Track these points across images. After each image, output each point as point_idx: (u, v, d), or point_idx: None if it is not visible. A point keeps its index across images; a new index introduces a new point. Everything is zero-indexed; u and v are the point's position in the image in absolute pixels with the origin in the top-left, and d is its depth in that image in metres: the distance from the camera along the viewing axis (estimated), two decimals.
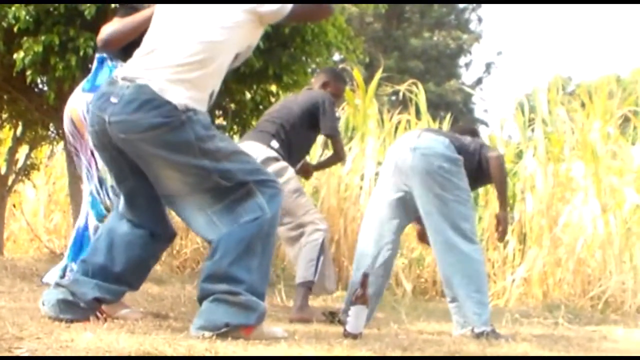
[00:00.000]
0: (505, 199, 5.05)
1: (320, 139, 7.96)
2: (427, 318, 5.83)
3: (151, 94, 3.26)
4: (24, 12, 6.16)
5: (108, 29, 4.06)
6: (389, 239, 5.03)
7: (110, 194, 4.17)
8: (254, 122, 7.62)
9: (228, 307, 3.17)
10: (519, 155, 10.81)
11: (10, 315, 3.40)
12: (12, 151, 9.45)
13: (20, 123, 9.14)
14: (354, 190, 9.68)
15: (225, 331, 3.09)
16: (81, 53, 6.09)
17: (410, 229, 6.24)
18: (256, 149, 5.10)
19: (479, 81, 31.40)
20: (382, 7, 9.98)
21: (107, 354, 2.50)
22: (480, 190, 9.37)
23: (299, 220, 5.15)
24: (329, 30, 7.36)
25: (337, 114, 5.87)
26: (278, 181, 3.55)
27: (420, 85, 11.50)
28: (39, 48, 6.13)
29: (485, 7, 38.08)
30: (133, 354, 2.52)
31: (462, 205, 4.74)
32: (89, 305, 3.43)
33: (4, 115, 8.95)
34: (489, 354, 3.67)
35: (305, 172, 5.91)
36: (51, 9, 6.29)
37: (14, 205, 11.00)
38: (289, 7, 3.57)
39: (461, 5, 31.03)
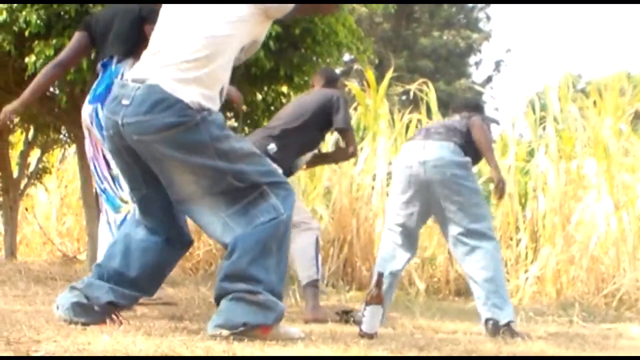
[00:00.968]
0: (494, 159, 5.14)
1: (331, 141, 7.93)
2: (441, 317, 5.81)
3: (162, 94, 3.24)
4: (34, 16, 6.19)
5: None
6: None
7: (124, 187, 4.23)
8: (265, 123, 7.62)
9: (247, 306, 3.15)
10: (531, 153, 10.79)
11: (27, 318, 3.41)
12: (24, 155, 9.50)
13: (31, 127, 9.19)
14: (366, 190, 9.69)
15: (243, 330, 3.08)
16: (92, 56, 6.10)
17: (424, 228, 6.23)
18: None
19: (489, 79, 31.28)
20: (392, 7, 9.97)
21: (125, 356, 2.50)
22: (492, 187, 9.36)
23: None
24: (339, 31, 7.36)
25: (349, 111, 5.87)
26: (289, 183, 3.54)
27: (430, 85, 11.50)
28: (50, 51, 6.15)
29: (494, 6, 37.99)
30: (151, 355, 2.52)
31: (477, 207, 4.90)
32: (102, 309, 3.40)
33: (16, 119, 8.98)
34: (504, 353, 3.66)
35: (312, 163, 5.86)
36: (62, 13, 6.31)
37: (27, 209, 11.06)
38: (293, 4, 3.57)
39: (470, 4, 30.99)
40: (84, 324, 3.22)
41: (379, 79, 11.14)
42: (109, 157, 4.38)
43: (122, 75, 4.31)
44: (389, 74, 11.06)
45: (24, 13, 6.23)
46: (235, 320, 3.11)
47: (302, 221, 5.16)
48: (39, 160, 9.82)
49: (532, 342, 4.29)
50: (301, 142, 5.31)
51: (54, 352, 2.46)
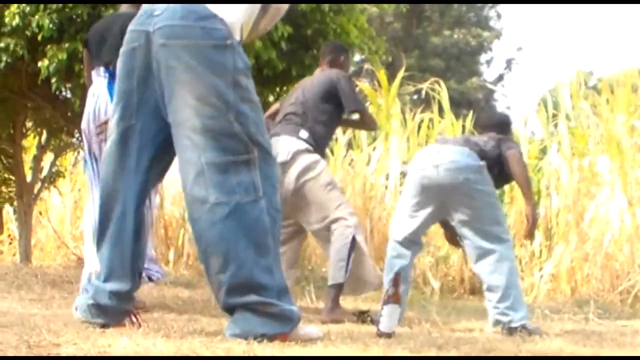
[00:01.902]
0: (529, 193, 5.13)
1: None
2: (457, 316, 5.81)
3: (200, 6, 3.20)
4: (47, 20, 6.21)
5: None
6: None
7: None
8: None
9: (262, 318, 3.06)
10: (544, 151, 10.77)
11: (45, 322, 3.40)
12: (37, 159, 9.52)
13: (44, 131, 9.21)
14: (379, 190, 9.69)
15: (261, 339, 3.02)
16: None
17: (437, 227, 6.21)
18: (286, 143, 5.10)
19: (500, 78, 31.28)
20: (404, 7, 9.97)
21: (146, 356, 2.50)
22: (506, 187, 9.34)
23: (329, 216, 5.12)
24: (351, 31, 7.36)
25: (356, 88, 5.84)
26: (274, 155, 3.45)
27: (442, 83, 11.48)
28: (63, 55, 6.18)
29: (504, 4, 37.94)
30: (172, 355, 2.52)
31: (491, 210, 4.93)
32: (118, 311, 3.38)
33: (29, 124, 9.02)
34: (524, 351, 3.65)
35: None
36: (74, 17, 6.32)
37: (40, 213, 11.09)
38: None
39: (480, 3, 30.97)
40: (102, 326, 3.21)
41: (390, 78, 11.13)
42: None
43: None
44: (401, 73, 11.04)
45: (36, 17, 6.25)
46: (253, 331, 3.02)
47: (342, 217, 5.13)
48: (52, 164, 9.83)
49: (549, 340, 4.28)
50: (323, 126, 5.34)
51: (75, 355, 2.47)
